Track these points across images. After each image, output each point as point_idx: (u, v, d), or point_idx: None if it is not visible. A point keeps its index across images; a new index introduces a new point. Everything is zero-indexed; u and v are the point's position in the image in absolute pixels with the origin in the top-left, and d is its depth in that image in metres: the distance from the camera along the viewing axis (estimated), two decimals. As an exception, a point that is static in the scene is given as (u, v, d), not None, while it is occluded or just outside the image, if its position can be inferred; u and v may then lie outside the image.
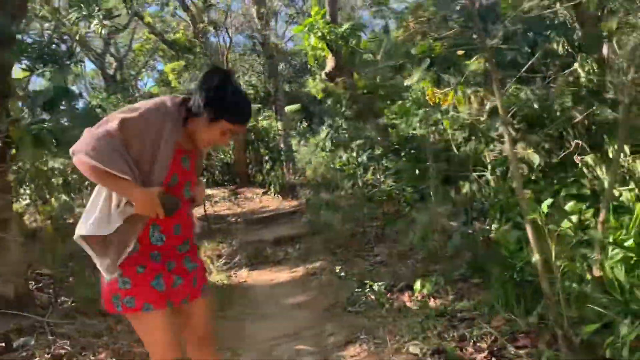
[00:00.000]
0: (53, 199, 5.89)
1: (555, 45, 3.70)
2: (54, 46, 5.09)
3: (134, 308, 2.06)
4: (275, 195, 11.38)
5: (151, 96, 13.85)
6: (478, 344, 3.07)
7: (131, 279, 2.06)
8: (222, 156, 14.10)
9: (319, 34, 8.39)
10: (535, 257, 2.71)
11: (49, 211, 5.65)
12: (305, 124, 19.25)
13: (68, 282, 5.63)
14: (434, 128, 8.12)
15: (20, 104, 4.13)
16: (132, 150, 2.01)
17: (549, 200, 3.04)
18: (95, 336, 4.10)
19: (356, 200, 6.42)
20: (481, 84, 3.48)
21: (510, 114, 2.78)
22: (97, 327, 4.25)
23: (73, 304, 4.88)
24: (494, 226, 3.91)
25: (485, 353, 2.96)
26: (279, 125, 13.41)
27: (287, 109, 17.80)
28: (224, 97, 2.06)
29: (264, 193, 11.91)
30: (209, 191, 13.13)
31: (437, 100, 3.46)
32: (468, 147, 5.43)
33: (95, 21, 6.93)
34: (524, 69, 2.78)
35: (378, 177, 6.88)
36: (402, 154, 6.92)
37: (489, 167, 4.58)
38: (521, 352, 2.87)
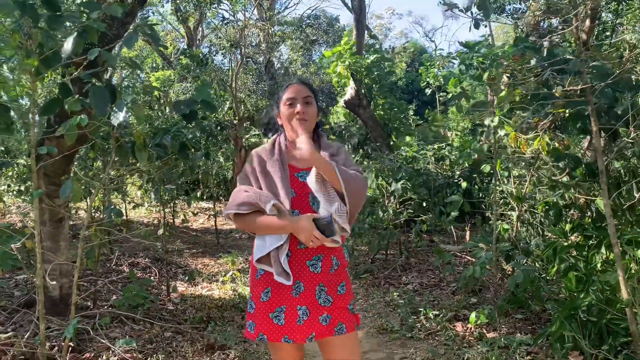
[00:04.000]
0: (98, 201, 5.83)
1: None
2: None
3: (251, 334, 2.14)
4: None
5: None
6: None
7: (255, 305, 2.15)
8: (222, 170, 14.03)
9: (346, 62, 8.69)
10: (626, 298, 2.92)
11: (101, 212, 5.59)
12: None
13: (103, 285, 5.54)
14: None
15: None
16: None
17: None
18: (149, 342, 4.09)
19: (382, 227, 6.57)
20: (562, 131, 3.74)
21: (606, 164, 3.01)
22: (147, 333, 4.24)
23: (112, 309, 4.83)
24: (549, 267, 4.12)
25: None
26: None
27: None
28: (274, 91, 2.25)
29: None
30: (203, 204, 13.05)
31: (519, 144, 3.70)
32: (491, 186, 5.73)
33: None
34: (622, 121, 3.05)
35: (397, 206, 7.07)
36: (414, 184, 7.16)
37: (538, 208, 4.82)
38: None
